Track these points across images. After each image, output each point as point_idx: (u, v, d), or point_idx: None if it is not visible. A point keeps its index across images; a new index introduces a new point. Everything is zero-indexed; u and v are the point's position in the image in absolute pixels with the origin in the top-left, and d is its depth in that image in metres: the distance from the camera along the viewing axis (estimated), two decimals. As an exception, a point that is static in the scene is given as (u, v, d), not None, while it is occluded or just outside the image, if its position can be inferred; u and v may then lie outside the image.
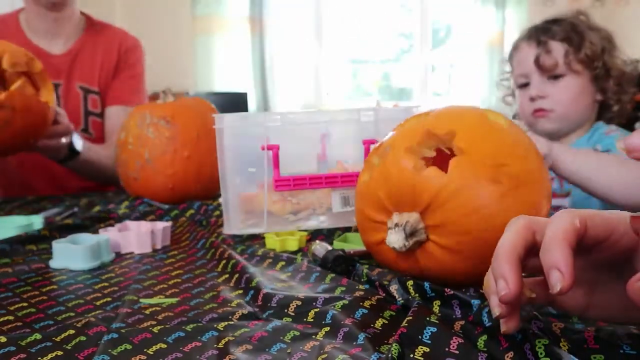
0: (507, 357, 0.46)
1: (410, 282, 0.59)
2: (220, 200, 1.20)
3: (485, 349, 0.47)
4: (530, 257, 0.42)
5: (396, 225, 0.60)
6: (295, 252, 0.84)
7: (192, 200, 1.17)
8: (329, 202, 0.95)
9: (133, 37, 1.62)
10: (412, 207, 0.60)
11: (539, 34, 1.23)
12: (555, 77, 1.23)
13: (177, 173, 1.18)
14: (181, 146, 1.18)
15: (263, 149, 0.91)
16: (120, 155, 1.23)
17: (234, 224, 0.95)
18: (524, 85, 1.28)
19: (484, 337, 0.49)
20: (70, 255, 0.78)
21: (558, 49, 1.21)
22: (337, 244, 0.82)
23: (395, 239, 0.60)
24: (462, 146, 0.59)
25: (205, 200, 1.18)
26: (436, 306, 0.56)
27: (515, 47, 1.29)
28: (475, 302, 0.54)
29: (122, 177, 1.25)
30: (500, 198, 0.56)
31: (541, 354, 0.42)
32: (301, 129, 0.98)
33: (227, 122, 0.92)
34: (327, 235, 0.93)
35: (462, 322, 0.51)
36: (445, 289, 0.56)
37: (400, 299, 0.58)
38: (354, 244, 0.83)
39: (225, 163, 0.94)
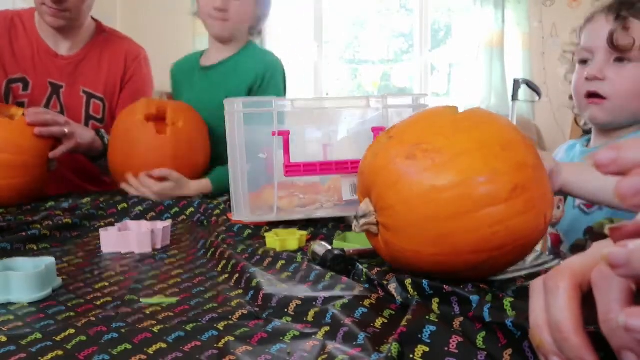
0: (506, 354, 0.46)
1: (408, 281, 0.59)
2: (220, 199, 1.21)
3: (484, 347, 0.47)
4: None
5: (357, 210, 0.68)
6: (295, 251, 0.84)
7: (192, 199, 1.17)
8: (337, 197, 0.95)
9: (139, 47, 1.62)
10: (366, 194, 0.68)
11: (622, 7, 1.04)
12: (622, 59, 1.03)
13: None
14: (175, 145, 1.23)
15: (274, 134, 0.91)
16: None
17: (243, 212, 0.94)
18: (584, 62, 1.08)
19: (483, 334, 0.49)
20: (12, 285, 0.63)
21: (637, 28, 1.02)
22: (337, 244, 0.82)
23: (354, 223, 0.68)
24: (393, 134, 0.67)
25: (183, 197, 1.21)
26: (435, 304, 0.56)
27: (589, 19, 1.10)
28: (474, 298, 0.54)
29: (114, 174, 1.28)
30: (414, 171, 0.61)
31: (540, 352, 0.42)
32: (309, 128, 0.99)
33: (237, 107, 0.92)
34: (327, 235, 0.93)
35: (461, 319, 0.52)
36: (444, 286, 0.57)
37: (399, 297, 0.58)
38: (354, 244, 0.83)
39: (236, 149, 0.93)
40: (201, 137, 1.33)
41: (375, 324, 0.53)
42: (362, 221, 0.66)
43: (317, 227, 0.96)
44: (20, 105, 1.42)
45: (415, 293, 0.58)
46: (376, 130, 0.93)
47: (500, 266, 0.65)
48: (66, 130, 1.29)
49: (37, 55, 1.46)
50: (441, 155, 0.60)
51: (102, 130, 1.43)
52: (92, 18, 1.55)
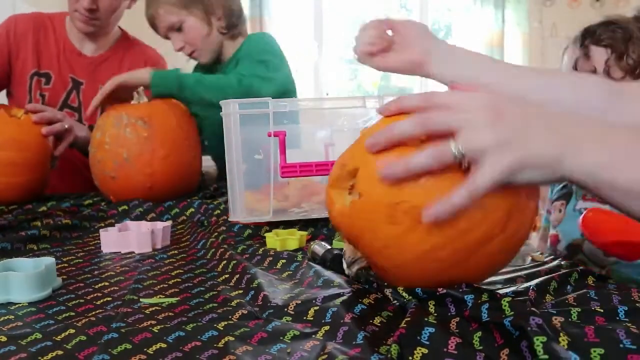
0: (503, 354, 0.46)
1: (401, 288, 0.59)
2: (220, 199, 1.21)
3: (481, 347, 0.47)
4: None
5: (342, 257, 0.65)
6: (295, 251, 0.84)
7: (192, 199, 1.17)
8: None
9: (160, 56, 1.71)
10: (350, 241, 0.63)
11: (585, 36, 1.14)
12: None
13: (156, 172, 1.20)
14: (159, 146, 1.21)
15: (270, 135, 0.91)
16: (96, 155, 1.24)
17: (239, 212, 0.95)
18: None
19: (479, 334, 0.49)
20: (12, 285, 0.64)
21: (600, 54, 1.11)
22: (337, 244, 0.82)
23: (345, 268, 0.65)
24: (360, 188, 0.58)
25: (182, 198, 1.20)
26: (431, 306, 0.56)
27: (566, 48, 1.21)
28: (469, 297, 0.54)
29: (97, 176, 1.25)
30: (401, 237, 0.55)
31: (539, 351, 0.42)
32: (308, 126, 0.99)
33: (234, 108, 0.93)
34: (327, 235, 0.93)
35: (457, 320, 0.52)
36: (438, 289, 0.57)
37: (394, 301, 0.58)
38: None
39: (232, 150, 0.94)
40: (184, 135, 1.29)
41: (375, 321, 0.53)
42: (355, 268, 0.63)
43: (317, 227, 0.96)
44: (42, 97, 1.52)
45: (410, 297, 0.58)
46: None
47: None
48: (66, 125, 1.33)
49: (62, 54, 1.55)
50: (420, 215, 0.53)
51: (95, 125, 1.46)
52: (119, 27, 1.65)
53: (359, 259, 0.63)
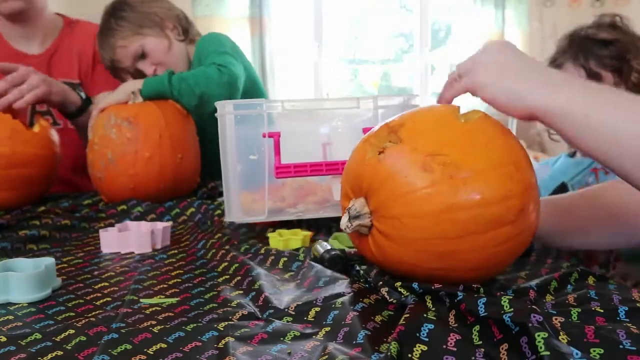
0: (502, 349, 0.46)
1: (398, 284, 0.59)
2: (219, 199, 1.21)
3: (480, 343, 0.47)
4: None
5: (347, 209, 0.63)
6: (297, 249, 0.83)
7: (192, 199, 1.17)
8: (331, 200, 0.95)
9: None
10: (360, 193, 0.63)
11: (589, 57, 1.12)
12: None
13: (139, 174, 1.18)
14: (142, 147, 1.18)
15: (264, 136, 0.91)
16: (88, 155, 1.24)
17: (235, 213, 0.95)
18: None
19: (477, 328, 0.49)
20: (11, 285, 0.64)
21: (608, 78, 1.13)
22: (332, 243, 0.82)
23: (343, 221, 0.63)
24: (402, 136, 0.61)
25: (182, 198, 1.20)
26: (429, 300, 0.56)
27: (559, 65, 1.17)
28: (461, 294, 0.54)
29: (91, 176, 1.26)
30: (430, 185, 0.57)
31: (541, 347, 0.42)
32: (303, 126, 0.99)
33: (229, 109, 0.93)
34: (327, 235, 0.93)
35: (454, 312, 0.52)
36: (434, 285, 0.57)
37: (392, 299, 0.58)
38: (343, 243, 0.83)
39: (227, 151, 0.94)
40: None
41: (375, 319, 0.53)
42: (356, 222, 0.61)
43: (317, 228, 0.96)
44: None
45: (407, 293, 0.58)
46: (367, 131, 0.93)
47: (487, 279, 0.66)
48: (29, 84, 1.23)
49: (7, 61, 1.42)
50: (459, 170, 0.57)
51: (79, 87, 1.44)
52: (57, 14, 1.57)
53: (365, 214, 0.62)
